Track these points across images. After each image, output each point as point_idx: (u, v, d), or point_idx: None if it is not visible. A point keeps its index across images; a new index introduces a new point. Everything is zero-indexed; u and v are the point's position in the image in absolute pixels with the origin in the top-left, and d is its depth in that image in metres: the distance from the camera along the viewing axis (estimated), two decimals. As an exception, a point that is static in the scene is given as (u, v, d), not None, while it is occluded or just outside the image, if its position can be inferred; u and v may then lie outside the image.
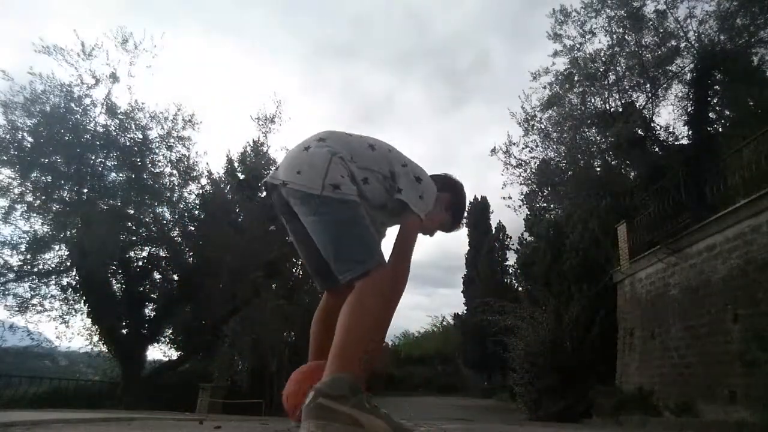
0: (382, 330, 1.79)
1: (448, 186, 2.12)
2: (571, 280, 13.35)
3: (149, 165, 11.39)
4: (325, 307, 1.92)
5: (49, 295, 11.24)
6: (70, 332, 11.78)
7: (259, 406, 12.04)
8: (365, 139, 1.89)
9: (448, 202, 2.10)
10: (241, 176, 13.76)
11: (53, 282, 11.27)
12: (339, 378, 1.38)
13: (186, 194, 12.41)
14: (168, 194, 11.75)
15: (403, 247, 1.83)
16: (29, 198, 10.12)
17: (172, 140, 11.54)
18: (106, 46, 10.54)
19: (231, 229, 11.46)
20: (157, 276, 13.07)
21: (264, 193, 13.47)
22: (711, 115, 11.84)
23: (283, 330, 13.96)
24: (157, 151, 11.49)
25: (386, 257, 1.71)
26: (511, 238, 29.40)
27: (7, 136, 9.55)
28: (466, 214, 2.33)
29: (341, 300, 1.58)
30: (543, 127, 13.29)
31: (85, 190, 10.65)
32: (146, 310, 12.77)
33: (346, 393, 1.35)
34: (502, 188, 14.09)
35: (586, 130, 12.99)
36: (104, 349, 12.31)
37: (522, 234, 20.28)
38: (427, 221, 1.92)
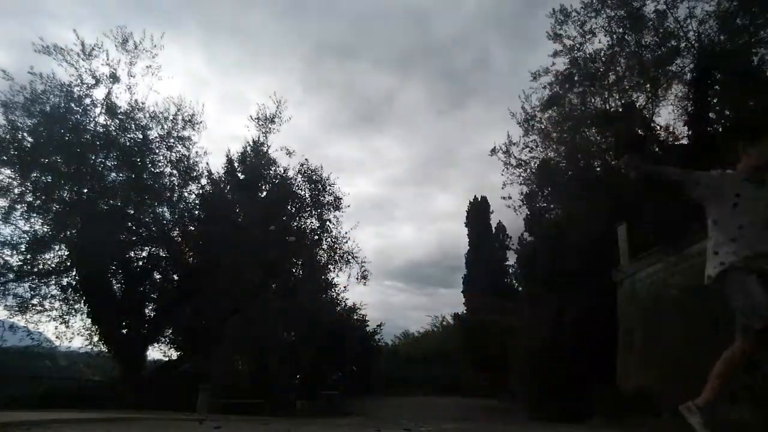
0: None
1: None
2: (571, 280, 13.32)
3: (149, 165, 11.39)
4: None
5: (49, 295, 11.25)
6: (70, 332, 11.80)
7: (259, 406, 12.04)
8: None
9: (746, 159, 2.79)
10: (241, 176, 13.75)
11: (53, 282, 11.27)
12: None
13: (186, 194, 12.42)
14: (168, 194, 11.75)
15: None
16: (29, 198, 10.12)
17: (172, 140, 11.55)
18: (106, 46, 10.60)
19: (231, 229, 11.45)
20: (157, 276, 13.06)
21: (264, 194, 13.48)
22: (711, 115, 11.83)
23: (283, 330, 13.95)
24: (157, 151, 11.50)
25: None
26: (511, 238, 29.42)
27: (7, 136, 9.56)
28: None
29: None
30: (543, 127, 13.32)
31: (85, 190, 10.65)
32: (146, 310, 12.77)
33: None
34: (502, 188, 14.14)
35: (586, 130, 12.99)
36: (104, 349, 12.31)
37: (522, 234, 20.25)
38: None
